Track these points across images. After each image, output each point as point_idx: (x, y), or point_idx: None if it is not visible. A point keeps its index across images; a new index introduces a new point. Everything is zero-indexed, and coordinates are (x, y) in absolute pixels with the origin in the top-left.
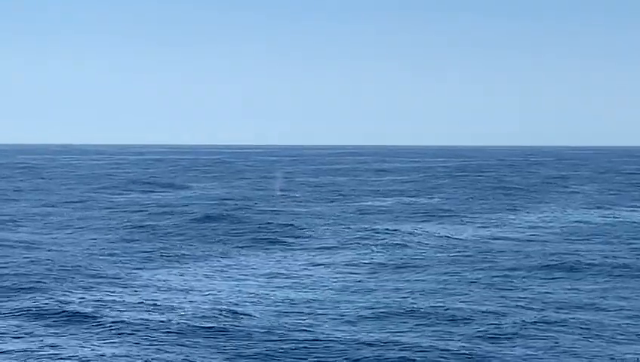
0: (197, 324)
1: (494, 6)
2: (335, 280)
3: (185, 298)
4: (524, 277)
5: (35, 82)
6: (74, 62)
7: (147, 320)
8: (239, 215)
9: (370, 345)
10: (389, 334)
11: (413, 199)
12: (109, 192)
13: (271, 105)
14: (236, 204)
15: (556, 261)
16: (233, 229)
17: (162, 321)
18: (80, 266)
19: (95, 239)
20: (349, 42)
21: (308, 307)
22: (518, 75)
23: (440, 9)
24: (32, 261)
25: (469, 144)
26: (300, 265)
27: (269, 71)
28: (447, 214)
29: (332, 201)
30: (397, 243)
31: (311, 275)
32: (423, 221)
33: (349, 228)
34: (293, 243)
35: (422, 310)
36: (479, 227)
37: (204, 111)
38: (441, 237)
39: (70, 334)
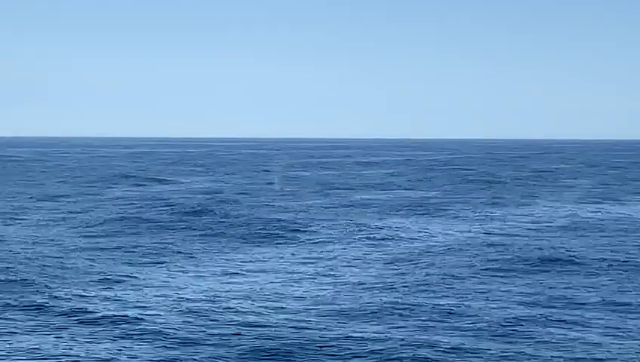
0: (187, 321)
1: (482, 7)
2: (330, 275)
3: (176, 294)
4: (515, 272)
5: (20, 74)
6: (62, 54)
7: (134, 317)
8: (230, 209)
9: (366, 340)
10: (383, 329)
11: (405, 192)
12: (97, 186)
13: (256, 98)
14: (226, 198)
15: (548, 255)
16: (223, 224)
17: (151, 318)
18: (63, 262)
19: (79, 234)
20: (339, 35)
21: (301, 303)
22: (501, 70)
23: (430, 5)
24: (10, 256)
25: (455, 137)
26: (295, 260)
27: (255, 64)
28: (438, 208)
29: (324, 195)
30: (389, 238)
31: (306, 271)
32: (416, 215)
33: (341, 222)
34: (287, 238)
35: (413, 305)
36: (475, 220)
37: (194, 104)
38: (435, 231)
39: (52, 329)
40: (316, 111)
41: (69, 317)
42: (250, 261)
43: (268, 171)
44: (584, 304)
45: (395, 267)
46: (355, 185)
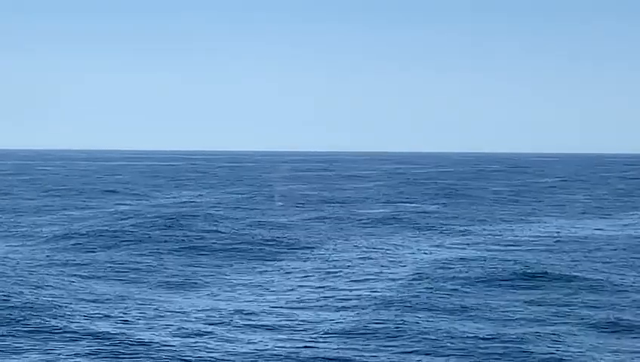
0: (186, 343)
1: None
2: (318, 294)
3: (167, 314)
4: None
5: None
6: (44, 66)
7: (106, 332)
8: (213, 224)
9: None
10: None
11: (387, 206)
12: (69, 200)
13: (230, 111)
14: (210, 213)
15: (523, 271)
16: (211, 241)
17: (119, 334)
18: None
19: (46, 249)
20: (305, 48)
21: (287, 322)
22: (470, 82)
23: (399, 19)
24: None
25: (429, 150)
26: (282, 279)
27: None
28: (425, 221)
29: (314, 210)
30: (365, 257)
31: (292, 289)
32: (407, 229)
33: (333, 239)
34: (273, 254)
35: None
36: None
37: (168, 117)
38: (424, 247)
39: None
40: (287, 124)
41: (54, 334)
42: (254, 278)
43: (253, 185)
44: (564, 321)
45: (383, 286)
46: (344, 199)
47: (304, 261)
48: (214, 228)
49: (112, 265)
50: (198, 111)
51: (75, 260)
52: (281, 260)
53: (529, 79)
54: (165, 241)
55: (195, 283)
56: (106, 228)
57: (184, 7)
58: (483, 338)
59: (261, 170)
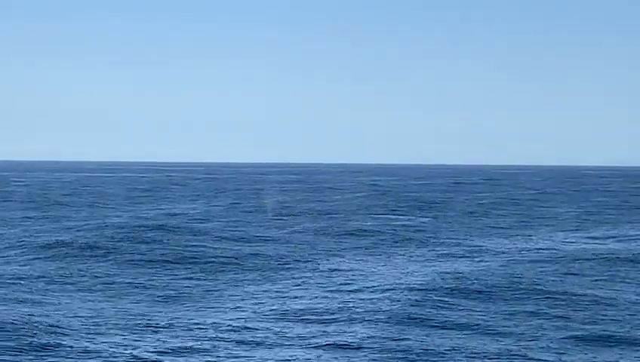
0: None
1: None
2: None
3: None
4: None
5: None
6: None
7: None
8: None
9: None
10: None
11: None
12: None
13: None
14: (196, 225)
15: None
16: (198, 254)
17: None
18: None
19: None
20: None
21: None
22: (434, 94)
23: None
24: None
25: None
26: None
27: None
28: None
29: (303, 222)
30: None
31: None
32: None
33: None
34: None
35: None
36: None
37: (144, 127)
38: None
39: None
40: (254, 136)
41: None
42: (248, 291)
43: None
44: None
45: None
46: (330, 210)
47: (301, 275)
48: (202, 242)
49: (91, 279)
50: (161, 122)
51: (62, 273)
52: (277, 274)
53: (493, 92)
54: (146, 252)
55: (189, 297)
56: (86, 240)
57: (152, 16)
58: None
59: (240, 182)
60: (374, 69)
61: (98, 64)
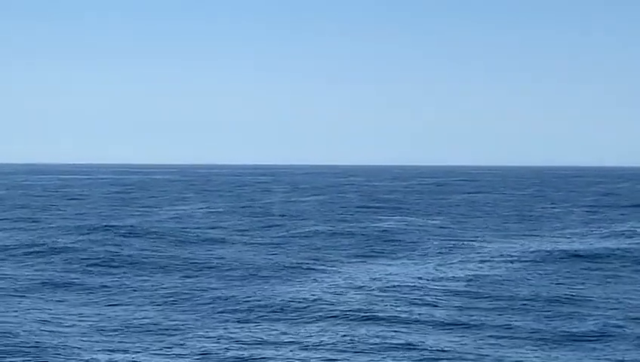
0: None
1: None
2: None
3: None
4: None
5: None
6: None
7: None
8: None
9: None
10: None
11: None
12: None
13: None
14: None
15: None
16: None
17: None
18: None
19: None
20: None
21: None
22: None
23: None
24: None
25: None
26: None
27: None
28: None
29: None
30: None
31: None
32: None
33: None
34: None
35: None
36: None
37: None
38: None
39: None
40: (218, 137)
41: None
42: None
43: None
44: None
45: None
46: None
47: (314, 281)
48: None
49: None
50: (134, 123)
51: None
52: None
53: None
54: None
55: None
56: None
57: (130, 19)
58: None
59: (214, 184)
60: (357, 69)
61: (69, 65)
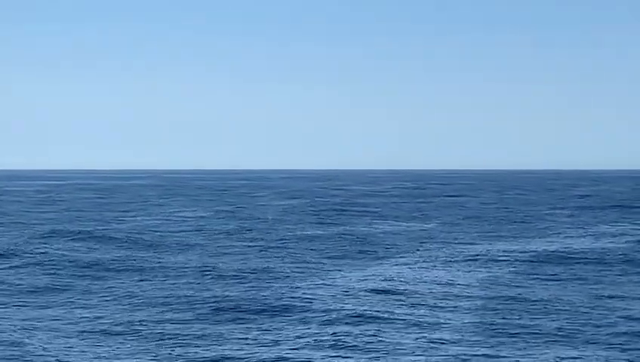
0: None
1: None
2: None
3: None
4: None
5: None
6: None
7: None
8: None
9: None
10: None
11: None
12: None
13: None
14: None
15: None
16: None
17: None
18: None
19: None
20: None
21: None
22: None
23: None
24: None
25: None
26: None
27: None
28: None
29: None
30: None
31: None
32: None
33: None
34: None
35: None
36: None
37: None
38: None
39: None
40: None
41: None
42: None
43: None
44: None
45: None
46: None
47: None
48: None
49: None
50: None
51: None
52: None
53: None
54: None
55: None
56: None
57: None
58: None
59: (188, 189)
60: (332, 72)
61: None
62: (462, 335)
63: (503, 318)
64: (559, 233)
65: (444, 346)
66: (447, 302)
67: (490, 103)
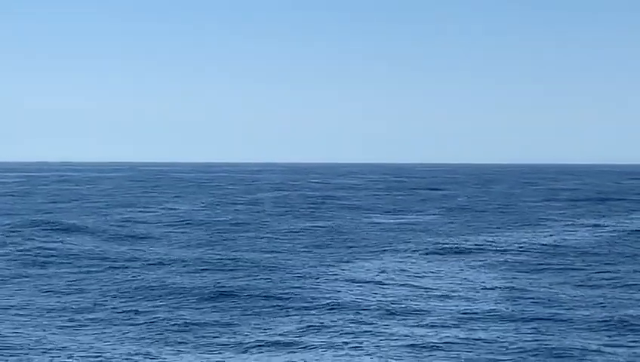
0: None
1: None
2: None
3: None
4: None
5: None
6: None
7: None
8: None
9: None
10: None
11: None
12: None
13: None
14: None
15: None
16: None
17: None
18: None
19: None
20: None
21: None
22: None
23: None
24: None
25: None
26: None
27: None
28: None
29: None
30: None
31: None
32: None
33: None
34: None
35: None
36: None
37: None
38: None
39: None
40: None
41: None
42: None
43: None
44: None
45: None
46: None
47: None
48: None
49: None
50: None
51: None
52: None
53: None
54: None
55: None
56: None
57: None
58: None
59: (166, 181)
60: (313, 70)
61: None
62: (450, 324)
63: (495, 306)
64: (552, 226)
65: (429, 336)
66: (434, 291)
67: (467, 100)
